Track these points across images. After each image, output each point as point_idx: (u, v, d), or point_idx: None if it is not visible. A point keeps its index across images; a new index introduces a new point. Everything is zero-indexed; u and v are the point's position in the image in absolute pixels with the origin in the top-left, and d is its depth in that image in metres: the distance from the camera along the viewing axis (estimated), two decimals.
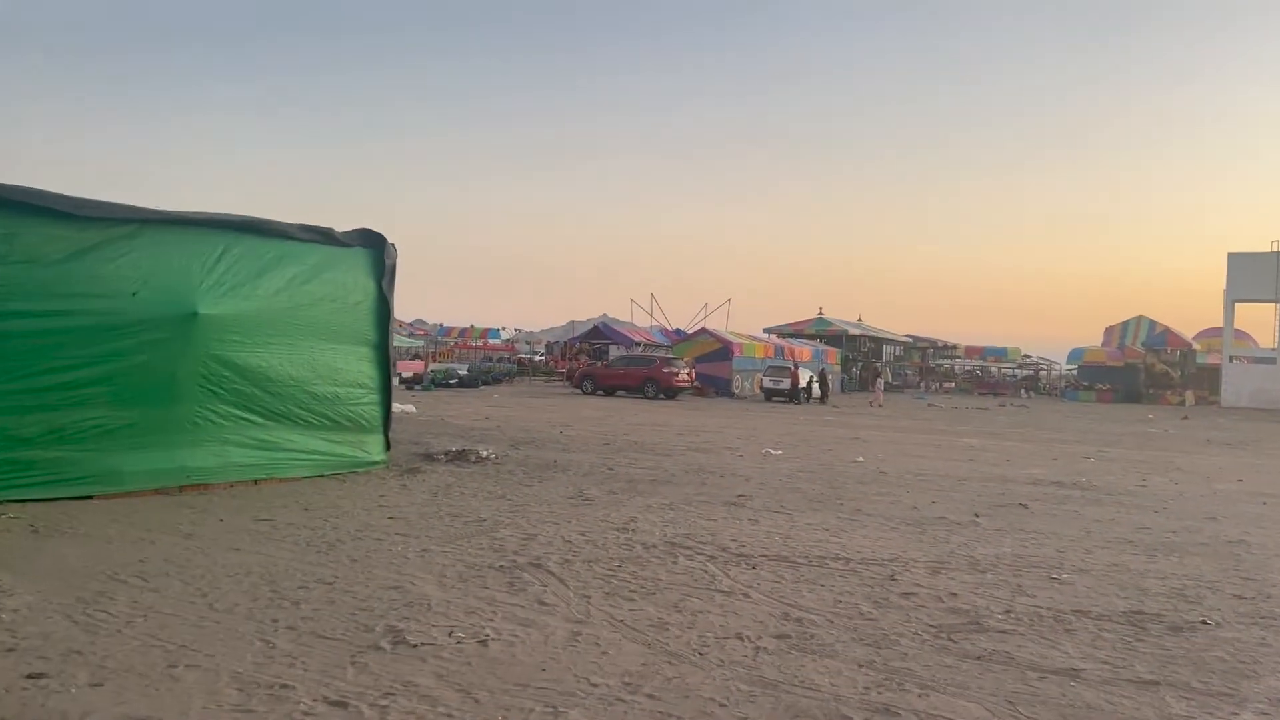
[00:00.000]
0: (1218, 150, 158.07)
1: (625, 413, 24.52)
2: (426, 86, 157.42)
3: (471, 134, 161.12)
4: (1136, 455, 17.65)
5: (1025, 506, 9.97)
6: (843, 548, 7.56)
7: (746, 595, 5.96)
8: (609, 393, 34.39)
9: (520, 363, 59.54)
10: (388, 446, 11.20)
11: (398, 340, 46.54)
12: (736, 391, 38.72)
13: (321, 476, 10.09)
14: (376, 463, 10.90)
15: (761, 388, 37.47)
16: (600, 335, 45.00)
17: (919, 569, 6.88)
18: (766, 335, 52.89)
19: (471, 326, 62.51)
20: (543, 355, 65.14)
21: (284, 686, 4.05)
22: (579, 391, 35.13)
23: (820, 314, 57.76)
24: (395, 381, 35.53)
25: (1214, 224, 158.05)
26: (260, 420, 9.56)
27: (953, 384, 63.78)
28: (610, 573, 6.39)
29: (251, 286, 9.41)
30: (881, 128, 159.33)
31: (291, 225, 9.94)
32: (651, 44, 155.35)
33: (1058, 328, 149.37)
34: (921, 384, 63.16)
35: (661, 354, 37.80)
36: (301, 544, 6.96)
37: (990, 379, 64.35)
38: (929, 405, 40.02)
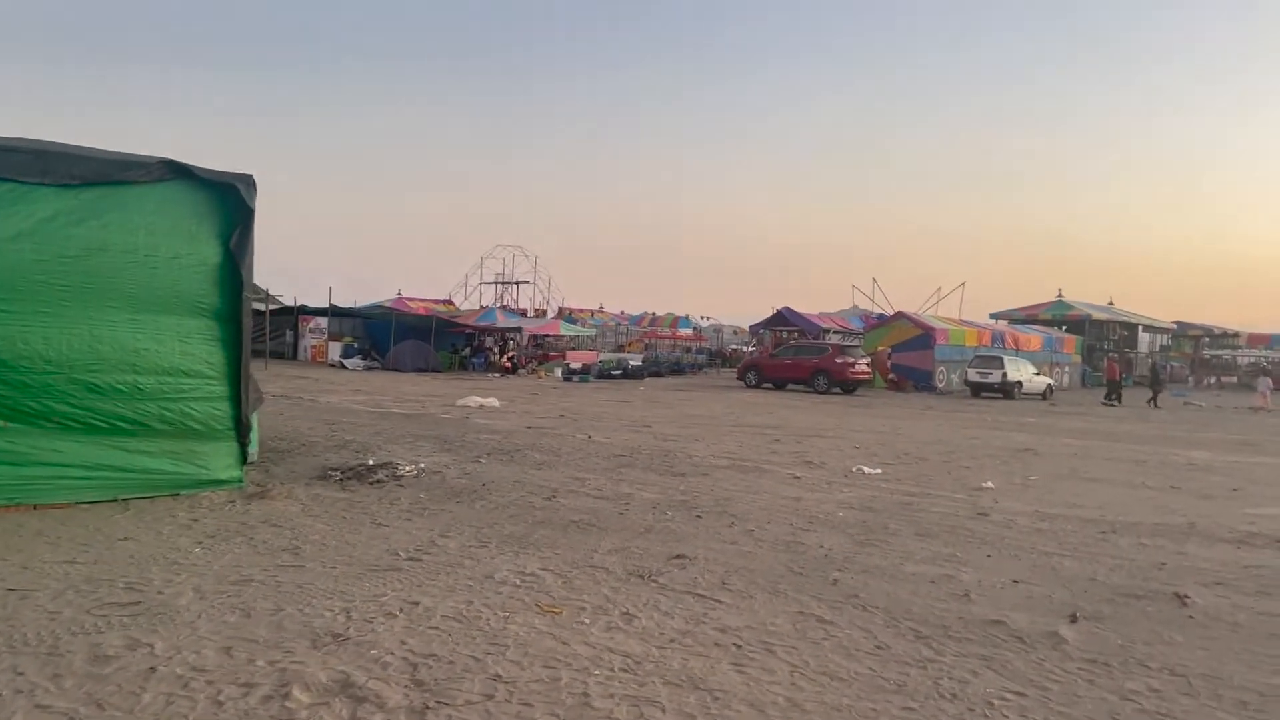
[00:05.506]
0: None
1: (754, 410, 20.43)
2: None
3: (691, 131, 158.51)
4: None
5: (1184, 601, 5.28)
6: (703, 713, 3.59)
7: None
8: (778, 386, 30.14)
9: (721, 353, 56.17)
10: (245, 459, 8.12)
11: (564, 328, 44.29)
12: (940, 385, 33.21)
13: (115, 501, 7.19)
14: (224, 482, 7.86)
15: (967, 381, 31.92)
16: (784, 321, 40.39)
17: None
18: (992, 321, 46.36)
19: (654, 315, 59.56)
20: (751, 346, 61.35)
21: None
22: (743, 385, 31.07)
23: (1059, 296, 50.04)
24: (557, 372, 33.10)
25: None
26: None
27: (1234, 377, 53.48)
28: None
29: None
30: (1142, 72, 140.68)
31: (53, 146, 7.06)
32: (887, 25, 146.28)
33: None
34: (1190, 378, 53.48)
35: (841, 341, 32.93)
36: None
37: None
38: (1185, 404, 32.66)
